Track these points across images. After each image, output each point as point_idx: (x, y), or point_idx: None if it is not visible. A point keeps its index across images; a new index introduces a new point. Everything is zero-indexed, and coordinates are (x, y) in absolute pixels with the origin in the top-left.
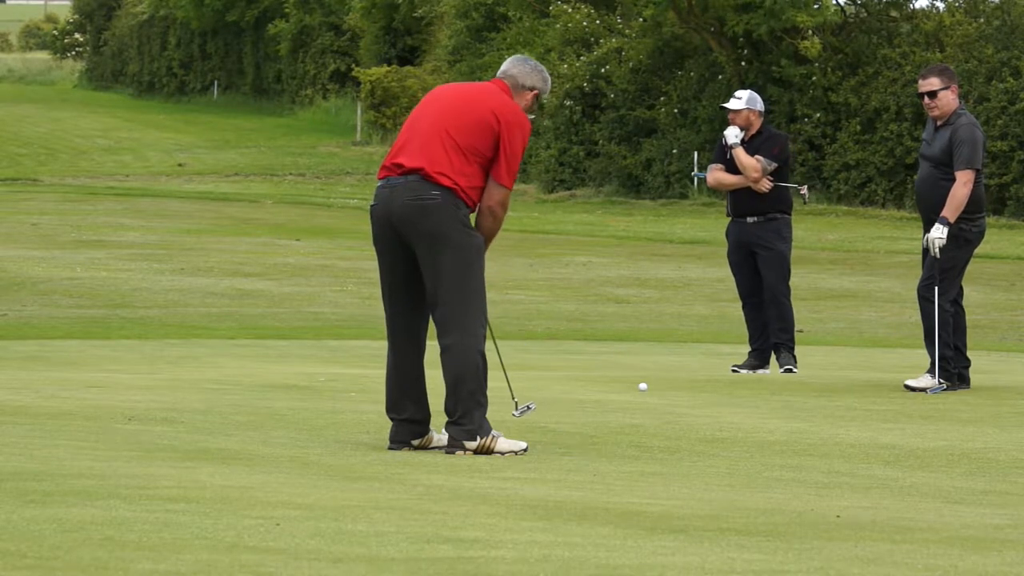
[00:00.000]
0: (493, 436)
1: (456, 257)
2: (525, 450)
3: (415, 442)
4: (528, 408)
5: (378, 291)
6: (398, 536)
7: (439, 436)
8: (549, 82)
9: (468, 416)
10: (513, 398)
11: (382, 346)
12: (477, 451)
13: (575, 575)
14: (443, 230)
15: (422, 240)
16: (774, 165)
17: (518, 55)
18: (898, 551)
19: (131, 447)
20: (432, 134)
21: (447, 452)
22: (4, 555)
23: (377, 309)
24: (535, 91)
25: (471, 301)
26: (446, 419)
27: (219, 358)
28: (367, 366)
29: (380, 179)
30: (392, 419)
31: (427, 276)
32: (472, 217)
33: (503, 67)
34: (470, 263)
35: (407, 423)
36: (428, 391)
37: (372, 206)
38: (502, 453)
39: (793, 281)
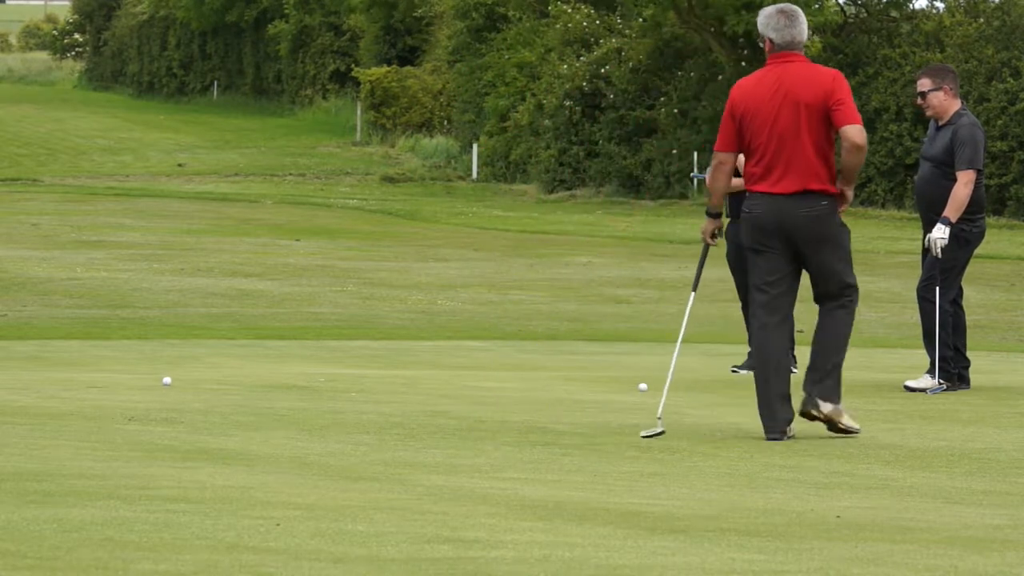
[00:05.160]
0: (839, 409)
1: (839, 249)
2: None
3: (815, 412)
4: (658, 433)
5: (378, 291)
6: (398, 536)
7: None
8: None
9: (832, 378)
10: (659, 416)
11: (382, 346)
12: (826, 419)
13: (575, 575)
14: (830, 232)
15: (811, 241)
16: None
17: (774, 11)
18: (898, 551)
19: (131, 447)
20: (796, 151)
21: (803, 411)
22: (4, 555)
23: (376, 309)
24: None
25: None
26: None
27: (219, 358)
28: (367, 366)
29: (757, 191)
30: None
31: (813, 266)
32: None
33: (789, 35)
34: (847, 250)
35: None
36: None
37: (756, 214)
38: (847, 429)
39: None
